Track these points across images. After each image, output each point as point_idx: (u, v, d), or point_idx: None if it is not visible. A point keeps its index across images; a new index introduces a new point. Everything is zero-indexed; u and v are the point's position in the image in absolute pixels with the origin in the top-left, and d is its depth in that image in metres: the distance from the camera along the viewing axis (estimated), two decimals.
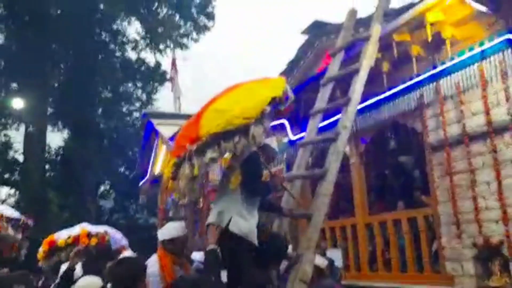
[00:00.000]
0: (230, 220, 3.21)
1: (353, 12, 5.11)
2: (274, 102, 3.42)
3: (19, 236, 6.62)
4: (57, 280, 4.06)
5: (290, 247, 3.83)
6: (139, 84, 21.72)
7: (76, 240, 6.39)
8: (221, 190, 3.53)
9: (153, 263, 3.40)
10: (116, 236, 7.00)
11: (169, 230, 3.59)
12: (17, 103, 16.68)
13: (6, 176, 18.85)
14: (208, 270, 3.35)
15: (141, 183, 11.67)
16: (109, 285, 2.82)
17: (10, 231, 5.25)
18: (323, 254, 5.43)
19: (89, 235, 6.48)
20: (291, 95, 3.60)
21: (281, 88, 3.51)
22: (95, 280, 3.12)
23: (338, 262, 6.03)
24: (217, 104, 3.43)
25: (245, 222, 3.25)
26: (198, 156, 3.18)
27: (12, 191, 19.43)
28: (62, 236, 6.49)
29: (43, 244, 6.49)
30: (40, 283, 6.36)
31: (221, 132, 3.17)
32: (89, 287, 2.96)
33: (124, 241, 7.10)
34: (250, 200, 3.34)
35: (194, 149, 3.18)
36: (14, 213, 6.59)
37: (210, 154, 3.16)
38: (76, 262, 4.12)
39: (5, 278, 4.02)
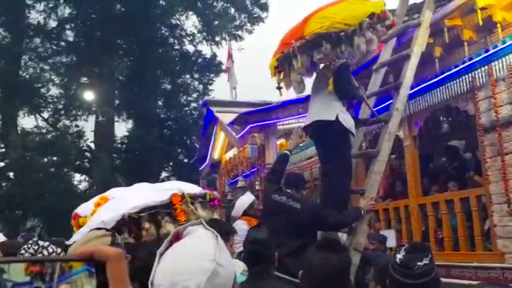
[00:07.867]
0: (337, 115, 3.76)
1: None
2: (373, 17, 3.96)
3: (215, 215, 4.88)
4: None
5: None
6: (196, 76, 22.59)
7: None
8: (317, 94, 4.08)
9: (241, 224, 4.01)
10: None
11: (244, 201, 4.31)
12: (88, 96, 18.04)
13: (77, 163, 20.38)
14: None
15: (201, 167, 12.33)
16: None
17: (201, 212, 4.08)
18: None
19: None
20: (390, 15, 4.12)
21: (381, 7, 4.05)
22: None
23: (392, 242, 6.28)
24: (324, 12, 3.95)
25: (350, 119, 3.85)
26: (302, 53, 3.77)
27: (83, 177, 21.03)
28: None
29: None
30: None
31: (323, 33, 3.73)
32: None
33: None
34: (344, 102, 3.97)
35: (298, 45, 3.77)
36: (194, 188, 4.81)
37: (316, 54, 3.77)
38: None
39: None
